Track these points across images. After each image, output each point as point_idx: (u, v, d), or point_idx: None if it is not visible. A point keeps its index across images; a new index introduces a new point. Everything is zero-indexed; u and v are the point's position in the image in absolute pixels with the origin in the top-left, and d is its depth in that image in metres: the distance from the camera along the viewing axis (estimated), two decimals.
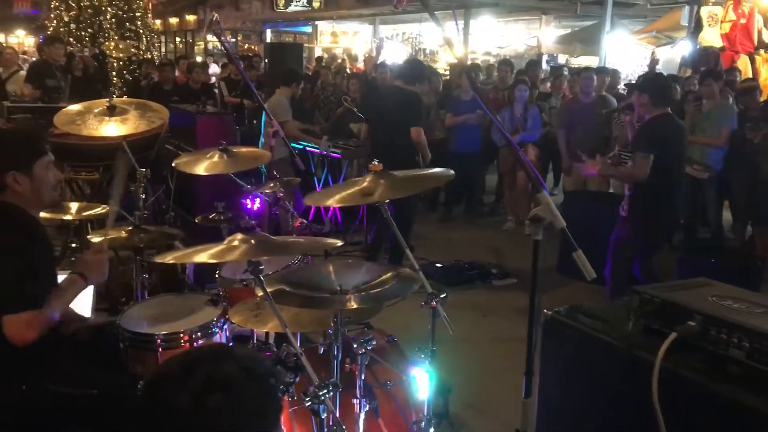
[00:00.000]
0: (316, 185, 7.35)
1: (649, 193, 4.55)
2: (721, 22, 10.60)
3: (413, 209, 5.97)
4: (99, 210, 3.93)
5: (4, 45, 15.20)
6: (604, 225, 5.98)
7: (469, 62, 11.45)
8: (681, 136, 4.76)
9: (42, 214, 2.87)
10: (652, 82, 5.15)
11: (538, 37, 14.82)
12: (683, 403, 1.80)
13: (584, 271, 1.99)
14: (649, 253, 4.83)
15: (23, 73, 8.57)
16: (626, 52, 13.86)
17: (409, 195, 2.66)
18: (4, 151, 2.47)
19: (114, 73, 12.64)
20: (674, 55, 12.35)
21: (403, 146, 5.54)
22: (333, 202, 2.59)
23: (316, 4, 22.40)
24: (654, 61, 12.28)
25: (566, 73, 10.11)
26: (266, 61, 11.51)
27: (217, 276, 3.28)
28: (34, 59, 11.14)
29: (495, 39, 17.11)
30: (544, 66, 13.14)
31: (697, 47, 10.58)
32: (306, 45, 18.67)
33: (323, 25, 21.83)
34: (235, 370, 1.24)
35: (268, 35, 22.94)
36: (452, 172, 2.75)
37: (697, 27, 10.95)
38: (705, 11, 10.79)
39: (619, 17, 13.26)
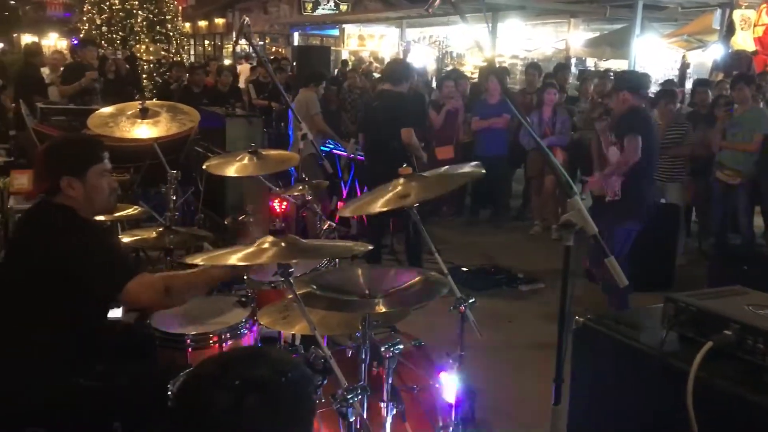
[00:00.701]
0: (343, 188, 7.37)
1: (638, 176, 4.80)
2: (754, 25, 10.43)
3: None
4: (130, 211, 3.98)
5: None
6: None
7: (497, 65, 11.38)
8: (655, 127, 5.14)
9: None
10: (628, 78, 5.42)
11: (566, 40, 14.69)
12: (718, 413, 1.77)
13: (616, 277, 1.96)
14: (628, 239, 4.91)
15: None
16: (656, 56, 13.68)
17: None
18: (60, 155, 2.52)
19: (144, 75, 12.80)
20: (705, 59, 12.16)
21: (397, 149, 5.47)
22: (371, 209, 2.59)
23: (343, 8, 22.49)
24: (684, 65, 12.13)
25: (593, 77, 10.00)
26: (294, 63, 11.59)
27: (245, 278, 3.30)
28: (67, 62, 11.34)
29: (523, 42, 16.99)
30: (572, 70, 13.04)
31: (729, 51, 10.42)
32: (333, 48, 18.73)
33: (350, 29, 21.88)
34: (271, 372, 1.25)
35: (296, 38, 23.08)
36: (482, 170, 2.72)
37: (729, 30, 10.78)
38: (738, 14, 10.63)
39: (650, 20, 13.08)
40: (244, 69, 13.64)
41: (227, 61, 15.70)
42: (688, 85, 10.36)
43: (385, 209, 2.47)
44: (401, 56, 15.03)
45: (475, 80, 10.69)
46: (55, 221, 2.42)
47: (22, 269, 2.41)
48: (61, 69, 8.78)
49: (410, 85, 7.39)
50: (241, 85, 11.22)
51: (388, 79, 5.86)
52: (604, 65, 15.57)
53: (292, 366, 1.31)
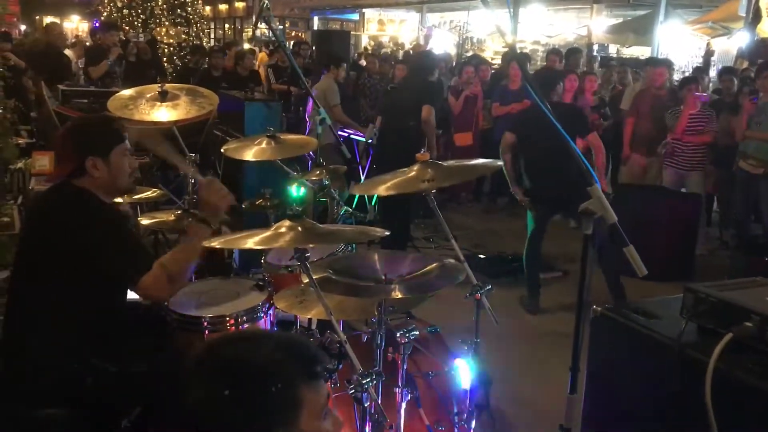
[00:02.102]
0: (361, 173, 7.36)
1: None
2: None
3: (407, 207, 6.04)
4: (149, 193, 4.00)
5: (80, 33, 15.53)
6: (656, 219, 5.87)
7: (518, 51, 11.27)
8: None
9: None
10: None
11: (588, 26, 14.50)
12: (737, 406, 1.75)
13: (635, 266, 1.94)
14: None
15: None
16: (680, 43, 13.47)
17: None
18: (84, 136, 2.54)
19: (165, 58, 12.83)
20: (730, 46, 11.95)
21: (413, 129, 5.63)
22: (382, 191, 2.59)
23: None
24: (709, 53, 11.92)
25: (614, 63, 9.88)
26: (313, 48, 11.55)
27: (262, 261, 3.31)
28: (87, 44, 11.40)
29: (544, 28, 16.79)
30: (595, 55, 12.87)
31: (755, 39, 10.22)
32: (353, 33, 18.64)
33: (370, 13, 21.76)
34: (244, 362, 1.24)
35: (315, 23, 23.00)
36: (500, 162, 2.71)
37: (755, 17, 10.57)
38: (764, 1, 10.41)
39: (674, 6, 12.87)
40: (262, 57, 13.66)
41: (246, 45, 15.66)
42: (712, 72, 10.19)
43: (396, 192, 2.47)
44: (422, 42, 14.93)
45: (496, 66, 10.58)
46: (76, 207, 2.44)
47: (41, 251, 2.43)
48: (84, 52, 8.85)
49: (478, 76, 7.51)
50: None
51: (413, 70, 6.15)
52: (627, 52, 15.38)
53: (275, 359, 1.25)
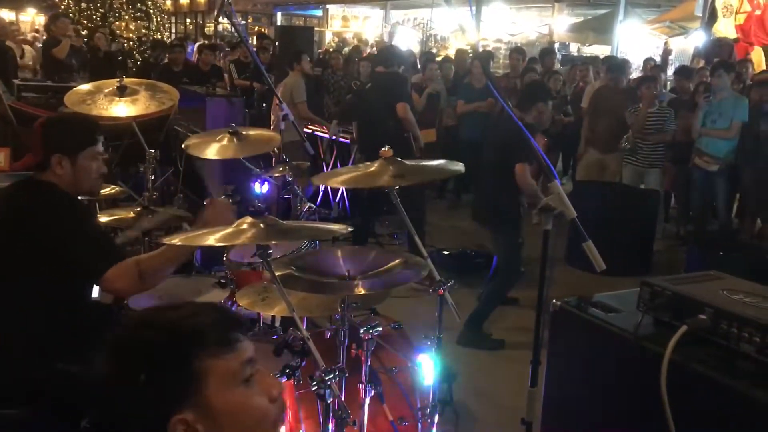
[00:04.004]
0: (325, 170, 7.33)
1: None
2: (736, 13, 10.48)
3: (423, 198, 5.98)
4: (108, 190, 3.93)
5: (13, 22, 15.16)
6: (615, 215, 5.97)
7: (481, 49, 11.36)
8: None
9: None
10: None
11: (550, 24, 14.68)
12: (692, 396, 1.79)
13: (594, 261, 1.97)
14: None
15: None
16: (639, 42, 13.73)
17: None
18: (56, 133, 2.51)
19: (124, 53, 12.61)
20: (688, 45, 12.22)
21: (392, 127, 5.55)
22: (339, 183, 2.58)
23: None
24: (666, 51, 12.16)
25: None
26: (276, 44, 11.47)
27: (224, 259, 3.28)
28: (44, 37, 11.13)
29: (507, 26, 16.96)
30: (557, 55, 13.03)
31: (711, 38, 10.47)
32: (316, 29, 18.58)
33: (334, 9, 21.71)
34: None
35: (279, 18, 22.84)
36: (461, 166, 2.72)
37: (711, 18, 10.83)
38: (720, 2, 10.67)
39: (633, 6, 13.11)
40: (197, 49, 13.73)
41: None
42: (670, 71, 10.40)
43: (348, 186, 2.47)
44: (386, 39, 14.95)
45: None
46: (41, 199, 2.41)
47: (4, 246, 2.39)
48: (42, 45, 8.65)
49: (441, 73, 7.46)
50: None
51: (379, 63, 6.02)
52: (587, 51, 15.61)
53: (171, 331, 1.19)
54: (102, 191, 3.96)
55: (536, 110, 4.52)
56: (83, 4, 13.03)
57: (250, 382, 1.21)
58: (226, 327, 1.22)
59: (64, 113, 3.96)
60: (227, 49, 12.02)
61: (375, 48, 12.71)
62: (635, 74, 9.97)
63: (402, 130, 5.61)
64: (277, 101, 4.12)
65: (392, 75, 5.76)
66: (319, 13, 22.20)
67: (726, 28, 10.50)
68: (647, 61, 9.91)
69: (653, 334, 1.96)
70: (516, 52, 9.28)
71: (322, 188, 7.04)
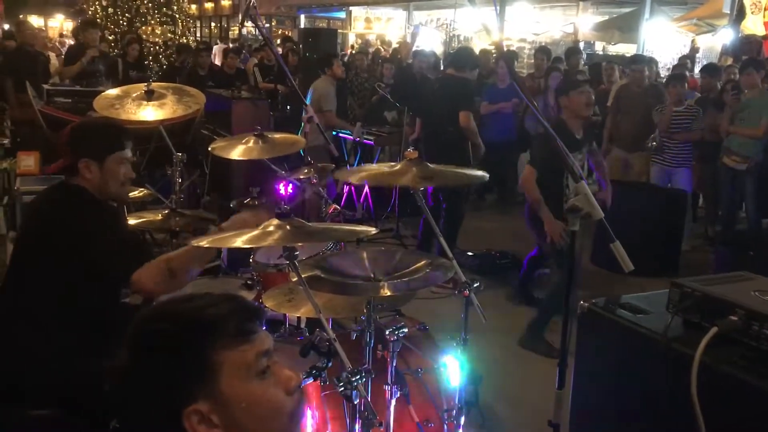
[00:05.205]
0: None
1: None
2: (765, 9, 10.31)
3: (461, 201, 5.90)
4: (136, 193, 3.98)
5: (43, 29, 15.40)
6: (642, 215, 5.90)
7: (505, 49, 11.31)
8: None
9: None
10: None
11: (574, 23, 14.58)
12: (723, 399, 1.77)
13: (621, 262, 1.95)
14: None
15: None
16: (665, 40, 13.58)
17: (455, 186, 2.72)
18: (83, 137, 2.55)
19: (150, 57, 12.76)
20: (715, 43, 12.05)
21: (452, 134, 5.42)
22: (360, 179, 2.58)
23: None
24: (694, 49, 12.01)
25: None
26: (300, 46, 11.53)
27: (251, 260, 3.31)
28: (70, 43, 11.32)
29: (531, 25, 16.87)
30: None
31: (739, 35, 10.31)
32: (340, 31, 18.64)
33: (357, 11, 21.76)
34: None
35: (302, 21, 22.95)
36: (486, 176, 2.72)
37: (739, 14, 10.66)
38: None
39: (659, 4, 12.97)
40: (218, 50, 13.84)
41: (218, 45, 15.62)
42: (697, 69, 10.26)
43: (381, 184, 2.48)
44: (409, 40, 14.92)
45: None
46: (69, 203, 2.46)
47: (36, 249, 2.44)
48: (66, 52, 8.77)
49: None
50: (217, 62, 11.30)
51: (451, 64, 5.87)
52: (612, 49, 15.47)
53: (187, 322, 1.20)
54: (130, 194, 4.02)
55: (567, 101, 4.51)
56: (110, 10, 13.21)
57: (267, 375, 1.20)
58: (243, 318, 1.21)
59: (93, 118, 4.03)
60: (246, 55, 12.15)
61: (399, 49, 12.69)
62: (662, 73, 9.85)
63: (462, 137, 5.47)
64: (304, 104, 4.13)
65: (460, 80, 5.57)
66: (342, 14, 22.28)
67: (755, 25, 10.33)
68: (682, 59, 9.76)
69: (683, 336, 1.94)
70: (540, 51, 9.21)
71: (346, 189, 7.06)
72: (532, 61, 9.75)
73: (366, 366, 2.22)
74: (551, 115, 7.38)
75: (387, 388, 2.40)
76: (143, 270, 2.35)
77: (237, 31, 23.47)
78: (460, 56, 6.02)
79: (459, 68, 5.64)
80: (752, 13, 10.41)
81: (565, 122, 4.46)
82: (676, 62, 10.42)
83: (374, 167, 2.61)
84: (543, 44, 13.20)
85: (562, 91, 4.61)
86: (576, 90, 4.51)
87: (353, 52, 13.12)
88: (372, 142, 7.17)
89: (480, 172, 2.75)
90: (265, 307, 2.78)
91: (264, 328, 1.25)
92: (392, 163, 2.59)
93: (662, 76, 8.84)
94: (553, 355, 4.40)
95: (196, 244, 2.18)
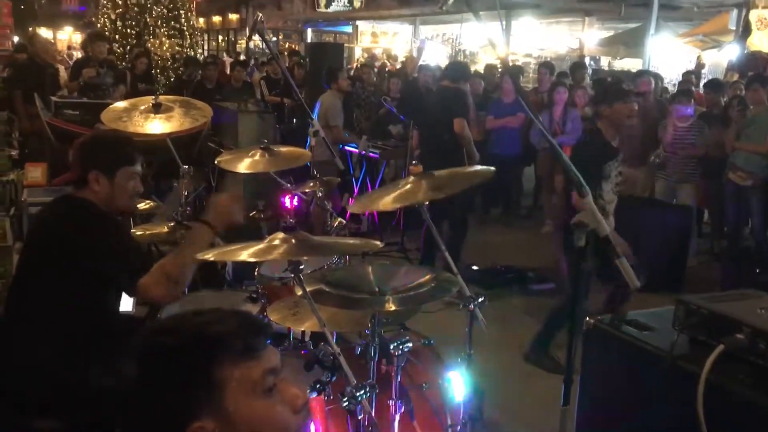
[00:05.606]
0: (354, 185, 7.37)
1: None
2: None
3: (466, 208, 6.07)
4: (142, 205, 3.99)
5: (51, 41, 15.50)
6: (648, 231, 5.88)
7: (510, 64, 11.35)
8: None
9: None
10: None
11: (580, 38, 14.63)
12: (729, 417, 1.76)
13: (627, 278, 1.95)
14: None
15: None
16: (671, 56, 13.60)
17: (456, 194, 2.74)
18: (94, 150, 2.58)
19: (158, 70, 12.84)
20: (721, 58, 12.06)
21: (448, 141, 5.62)
22: (381, 207, 2.60)
23: (356, 4, 22.46)
24: (699, 65, 12.02)
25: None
26: (307, 60, 11.59)
27: (256, 273, 3.31)
28: (79, 55, 11.38)
29: (536, 40, 16.94)
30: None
31: (745, 51, 10.33)
32: (346, 45, 18.72)
33: (363, 25, 21.87)
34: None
35: (309, 35, 23.08)
36: (493, 168, 2.73)
37: (745, 31, 10.69)
38: (754, 15, 10.53)
39: (665, 20, 12.99)
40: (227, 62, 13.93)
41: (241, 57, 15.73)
42: (702, 85, 10.27)
43: (396, 206, 2.48)
44: (415, 54, 14.98)
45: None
46: (74, 215, 2.48)
47: (40, 260, 2.45)
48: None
49: (471, 88, 7.55)
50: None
51: (446, 76, 6.19)
52: (618, 64, 15.50)
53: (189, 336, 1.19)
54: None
55: (609, 110, 4.38)
56: (119, 23, 13.31)
57: (273, 392, 1.20)
58: (249, 334, 1.20)
59: (105, 131, 4.06)
60: (253, 68, 12.24)
61: (406, 63, 12.75)
62: (670, 88, 9.86)
63: (457, 145, 5.69)
64: (310, 118, 4.15)
65: (455, 90, 5.86)
66: (348, 29, 22.39)
67: (761, 41, 10.35)
68: (686, 74, 9.77)
69: (689, 354, 1.93)
70: (543, 66, 9.24)
71: (351, 202, 7.08)
72: (536, 75, 9.77)
73: (370, 381, 2.22)
74: (555, 129, 7.40)
75: (391, 403, 2.39)
76: (145, 279, 2.37)
77: (244, 45, 23.63)
78: (454, 69, 6.38)
79: (453, 80, 5.95)
80: (758, 29, 10.43)
81: (601, 131, 4.40)
82: (681, 78, 10.44)
83: (386, 190, 2.61)
84: (548, 59, 13.24)
85: (605, 100, 4.50)
86: (621, 101, 4.40)
87: (359, 65, 13.18)
88: (377, 155, 7.18)
89: (485, 167, 2.75)
90: (270, 320, 2.78)
91: (269, 341, 1.24)
92: (399, 182, 2.59)
93: (669, 92, 8.84)
94: (558, 371, 4.39)
95: (201, 257, 2.19)
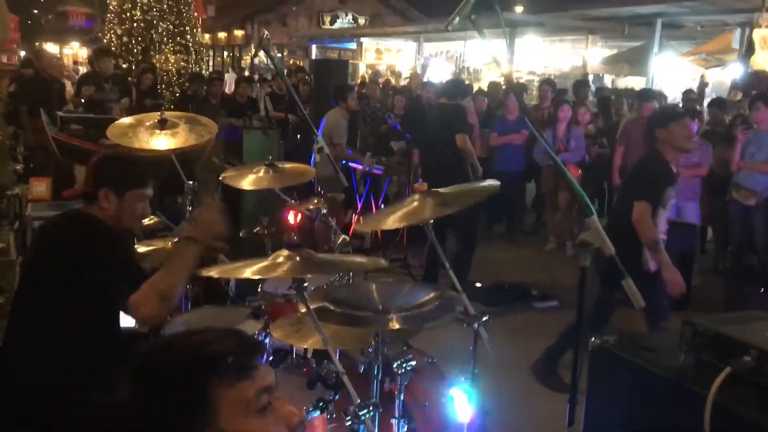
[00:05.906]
0: (357, 201, 7.38)
1: None
2: None
3: (475, 224, 6.16)
4: (146, 221, 3.99)
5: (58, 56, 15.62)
6: None
7: (514, 81, 11.41)
8: None
9: None
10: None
11: (584, 56, 14.68)
12: None
13: (633, 299, 1.94)
14: None
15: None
16: (675, 74, 13.64)
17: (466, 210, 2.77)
18: (109, 168, 2.60)
19: (163, 85, 12.92)
20: (724, 77, 12.09)
21: (450, 157, 5.71)
22: (388, 225, 2.61)
23: (361, 21, 22.62)
24: (703, 84, 12.04)
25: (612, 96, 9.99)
26: (312, 76, 11.65)
27: (259, 290, 3.30)
28: (85, 70, 11.46)
29: (540, 58, 17.01)
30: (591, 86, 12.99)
31: (749, 71, 10.35)
32: (351, 61, 18.81)
33: (368, 42, 22.00)
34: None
35: (314, 51, 23.23)
36: (498, 183, 2.75)
37: (749, 50, 10.71)
38: (758, 34, 10.55)
39: (668, 38, 13.04)
40: (230, 79, 13.99)
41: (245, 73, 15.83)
42: (706, 103, 10.29)
43: (403, 224, 2.48)
44: (419, 71, 15.07)
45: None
46: (78, 229, 2.49)
47: (42, 272, 2.45)
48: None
49: (475, 105, 7.61)
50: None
51: (443, 94, 6.35)
52: (621, 83, 15.54)
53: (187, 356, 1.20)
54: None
55: (666, 132, 4.16)
56: (125, 38, 13.41)
57: (268, 411, 1.20)
58: (243, 354, 1.21)
59: (123, 152, 4.08)
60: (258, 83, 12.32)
61: (410, 80, 12.82)
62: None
63: (460, 159, 5.77)
64: (315, 135, 4.17)
65: (454, 107, 5.96)
66: (353, 45, 22.52)
67: (764, 60, 10.37)
68: (687, 93, 9.80)
69: (696, 375, 1.91)
70: (545, 83, 9.28)
71: (354, 219, 7.08)
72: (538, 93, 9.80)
73: (374, 399, 2.20)
74: (559, 146, 7.41)
75: (394, 421, 2.38)
76: (134, 298, 2.38)
77: (249, 61, 23.77)
78: (451, 86, 6.50)
79: (451, 97, 6.08)
80: (762, 48, 10.45)
81: (662, 153, 4.16)
82: (687, 88, 10.49)
83: (392, 208, 2.63)
84: (552, 77, 13.29)
85: (659, 123, 4.24)
86: (677, 122, 4.18)
87: (366, 82, 13.25)
88: (381, 171, 7.20)
89: (490, 181, 2.76)
90: (272, 337, 2.76)
91: (271, 358, 1.25)
92: (405, 200, 2.60)
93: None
94: (564, 391, 4.35)
95: (205, 273, 2.19)
